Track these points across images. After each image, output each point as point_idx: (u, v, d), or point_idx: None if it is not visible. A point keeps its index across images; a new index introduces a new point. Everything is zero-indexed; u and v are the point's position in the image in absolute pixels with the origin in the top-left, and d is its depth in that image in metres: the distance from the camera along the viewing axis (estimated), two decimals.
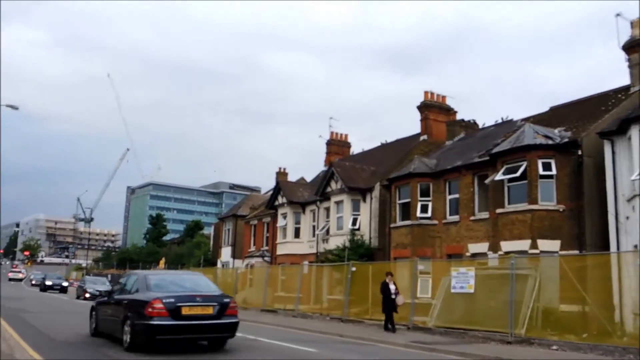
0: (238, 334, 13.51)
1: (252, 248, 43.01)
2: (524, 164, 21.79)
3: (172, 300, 11.93)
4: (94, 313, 14.90)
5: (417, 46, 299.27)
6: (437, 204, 26.42)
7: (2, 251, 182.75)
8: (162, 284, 13.16)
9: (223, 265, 47.55)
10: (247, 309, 31.90)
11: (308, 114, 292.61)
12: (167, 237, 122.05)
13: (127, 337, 12.05)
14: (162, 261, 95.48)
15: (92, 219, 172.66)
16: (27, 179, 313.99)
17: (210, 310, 12.40)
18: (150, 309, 11.63)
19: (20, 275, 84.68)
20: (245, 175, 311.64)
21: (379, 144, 39.80)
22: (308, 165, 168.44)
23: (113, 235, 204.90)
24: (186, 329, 12.03)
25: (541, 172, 21.42)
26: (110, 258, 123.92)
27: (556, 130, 23.15)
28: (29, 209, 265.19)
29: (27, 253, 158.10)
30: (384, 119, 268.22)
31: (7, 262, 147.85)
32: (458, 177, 25.70)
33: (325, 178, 32.73)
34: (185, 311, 11.96)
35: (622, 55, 23.84)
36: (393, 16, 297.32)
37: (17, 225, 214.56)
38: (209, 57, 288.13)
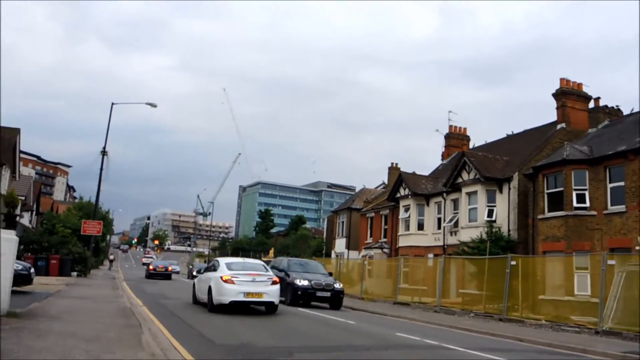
0: (412, 337, 10.97)
1: (369, 240, 38.57)
2: None
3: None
4: None
5: (494, 59, 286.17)
6: (595, 193, 20.96)
7: (136, 239, 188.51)
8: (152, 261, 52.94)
9: (337, 256, 43.42)
10: (374, 301, 27.53)
11: (393, 123, 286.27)
12: (273, 230, 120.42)
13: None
14: (272, 251, 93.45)
15: (209, 213, 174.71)
16: (159, 180, 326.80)
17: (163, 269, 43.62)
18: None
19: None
20: (339, 177, 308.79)
21: (503, 135, 34.26)
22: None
23: (227, 228, 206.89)
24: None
25: None
26: (225, 247, 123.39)
27: None
28: (158, 204, 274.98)
29: (156, 242, 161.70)
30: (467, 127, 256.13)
31: (141, 249, 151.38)
32: (623, 163, 20.15)
33: (455, 169, 27.76)
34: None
35: None
36: (472, 31, 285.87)
37: (149, 218, 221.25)
38: (307, 75, 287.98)
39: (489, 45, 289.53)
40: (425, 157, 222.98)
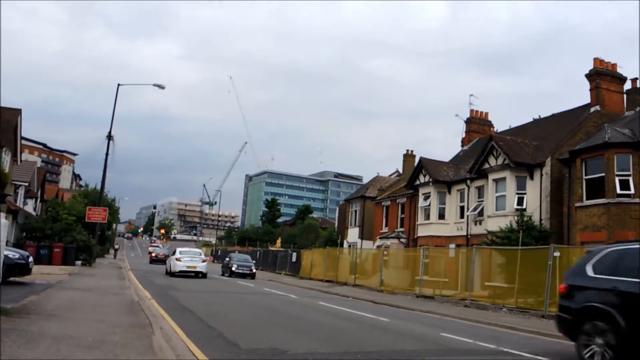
0: (462, 339, 10.09)
1: (385, 229, 36.96)
2: None
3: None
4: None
5: (505, 47, 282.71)
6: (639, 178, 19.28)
7: (142, 228, 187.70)
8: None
9: (350, 246, 41.85)
10: (394, 293, 25.99)
11: (401, 113, 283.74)
12: (280, 220, 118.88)
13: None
14: (279, 240, 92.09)
15: (215, 202, 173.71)
16: (165, 169, 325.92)
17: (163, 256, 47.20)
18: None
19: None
20: (345, 166, 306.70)
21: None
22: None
23: (233, 217, 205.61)
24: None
25: None
26: (232, 237, 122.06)
27: None
28: (164, 193, 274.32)
29: (162, 231, 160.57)
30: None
31: (147, 238, 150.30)
32: None
33: (482, 154, 26.04)
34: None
35: None
36: (481, 20, 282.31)
37: (154, 207, 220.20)
38: (316, 63, 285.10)
39: (498, 35, 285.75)
40: (434, 147, 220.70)
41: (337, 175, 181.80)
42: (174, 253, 29.36)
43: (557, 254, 17.22)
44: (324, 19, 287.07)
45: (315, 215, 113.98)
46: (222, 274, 34.10)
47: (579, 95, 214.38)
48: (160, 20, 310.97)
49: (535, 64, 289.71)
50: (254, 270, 33.73)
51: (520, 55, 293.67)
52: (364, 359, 7.62)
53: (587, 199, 20.59)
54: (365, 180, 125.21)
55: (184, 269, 27.00)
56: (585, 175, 20.82)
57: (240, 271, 32.54)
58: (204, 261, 28.37)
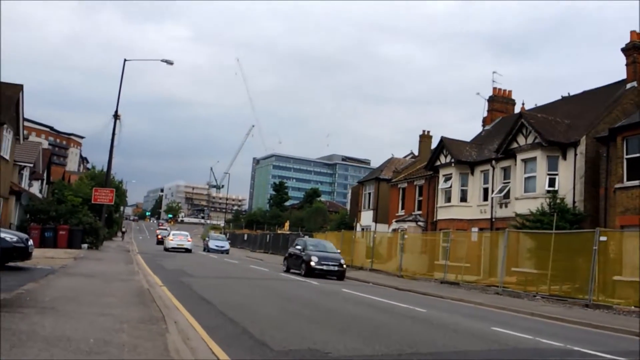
0: (521, 335, 8.83)
1: (401, 212, 35.52)
2: None
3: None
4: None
5: (520, 32, 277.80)
6: None
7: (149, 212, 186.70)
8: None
9: (363, 229, 40.55)
10: (415, 279, 24.68)
11: (411, 97, 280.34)
12: (287, 203, 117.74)
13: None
14: (287, 224, 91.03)
15: (222, 186, 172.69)
16: (172, 153, 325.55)
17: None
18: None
19: (165, 232, 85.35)
20: (353, 150, 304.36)
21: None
22: (413, 143, 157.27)
23: (240, 200, 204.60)
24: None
25: None
26: (239, 219, 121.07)
27: None
28: (172, 176, 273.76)
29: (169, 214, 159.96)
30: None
31: (154, 221, 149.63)
32: None
33: (510, 132, 24.46)
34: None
35: None
36: (494, 3, 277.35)
37: (162, 190, 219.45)
38: (327, 47, 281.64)
39: (510, 19, 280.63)
40: (445, 132, 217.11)
41: (345, 158, 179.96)
42: (168, 235, 41.66)
43: (603, 238, 15.80)
44: (335, 3, 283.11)
45: (322, 198, 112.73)
46: (287, 270, 23.62)
47: (592, 81, 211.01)
48: (169, 3, 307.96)
49: (549, 49, 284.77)
50: (345, 267, 22.50)
51: (534, 40, 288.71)
52: None
53: (628, 179, 19.08)
54: (373, 164, 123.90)
55: (175, 245, 36.82)
56: (627, 154, 19.28)
57: (325, 267, 21.36)
58: (189, 240, 38.03)
